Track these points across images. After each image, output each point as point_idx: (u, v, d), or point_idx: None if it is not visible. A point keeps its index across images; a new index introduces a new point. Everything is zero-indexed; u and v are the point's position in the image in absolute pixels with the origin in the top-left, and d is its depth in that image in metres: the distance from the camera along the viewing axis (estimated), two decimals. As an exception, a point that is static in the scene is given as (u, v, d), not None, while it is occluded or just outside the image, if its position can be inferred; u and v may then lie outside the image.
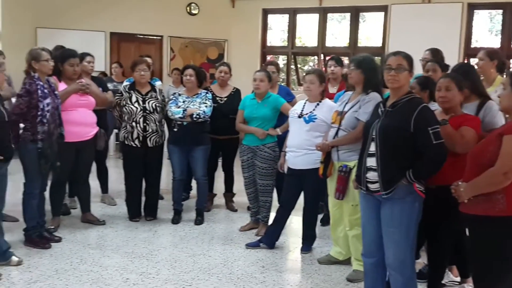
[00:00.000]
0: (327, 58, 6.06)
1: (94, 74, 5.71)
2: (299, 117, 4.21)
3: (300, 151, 4.18)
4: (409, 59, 3.01)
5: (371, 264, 3.17)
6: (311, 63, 12.76)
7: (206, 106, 4.96)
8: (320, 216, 4.98)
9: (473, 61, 9.01)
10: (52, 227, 4.65)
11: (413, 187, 2.92)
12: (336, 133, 3.77)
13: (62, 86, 4.59)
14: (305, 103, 4.27)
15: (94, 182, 5.21)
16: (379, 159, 2.95)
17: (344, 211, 3.86)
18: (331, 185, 3.93)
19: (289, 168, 4.34)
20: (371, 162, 3.00)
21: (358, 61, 3.78)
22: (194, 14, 10.39)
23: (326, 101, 4.25)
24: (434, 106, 3.44)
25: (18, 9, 9.07)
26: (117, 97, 5.00)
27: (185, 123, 4.92)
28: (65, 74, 4.65)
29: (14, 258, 3.86)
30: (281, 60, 11.64)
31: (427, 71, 4.49)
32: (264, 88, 4.68)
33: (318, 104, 4.22)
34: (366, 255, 3.20)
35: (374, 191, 3.02)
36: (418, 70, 5.33)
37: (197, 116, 4.88)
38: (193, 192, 5.82)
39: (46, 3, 9.35)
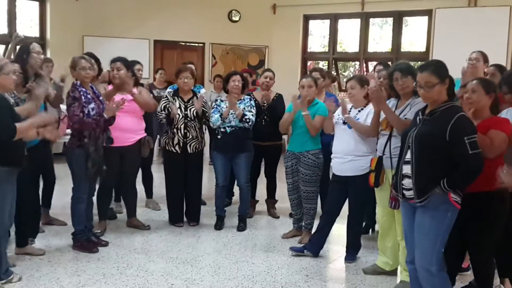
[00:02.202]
0: (375, 63, 6.00)
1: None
2: (344, 123, 4.18)
3: (346, 157, 4.14)
4: (438, 72, 2.93)
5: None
6: (351, 69, 12.63)
7: (252, 115, 4.98)
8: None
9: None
10: (99, 231, 4.74)
11: (448, 197, 2.88)
12: (389, 139, 3.69)
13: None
14: (350, 109, 4.22)
15: (138, 187, 5.28)
16: (413, 166, 2.94)
17: (396, 220, 3.77)
18: (381, 194, 3.87)
19: (334, 175, 4.30)
20: (407, 169, 3.00)
21: (406, 68, 3.70)
22: (235, 21, 10.46)
23: (371, 105, 4.18)
24: None
25: (66, 17, 9.37)
26: (164, 101, 5.05)
27: (228, 130, 4.94)
28: (111, 78, 4.80)
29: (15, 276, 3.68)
30: (322, 66, 11.57)
31: (486, 74, 4.43)
32: (313, 94, 4.65)
33: (362, 109, 4.17)
34: (411, 262, 3.15)
35: (409, 198, 3.01)
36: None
37: (248, 119, 4.90)
38: (235, 198, 5.84)
39: (93, 12, 9.61)
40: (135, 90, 4.85)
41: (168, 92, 5.26)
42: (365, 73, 10.00)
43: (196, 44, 10.54)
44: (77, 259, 4.18)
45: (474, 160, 2.81)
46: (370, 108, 4.06)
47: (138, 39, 9.92)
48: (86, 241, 4.39)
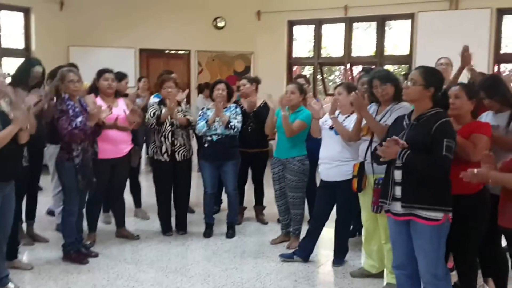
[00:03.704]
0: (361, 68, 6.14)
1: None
2: (331, 128, 4.25)
3: (333, 163, 4.21)
4: (425, 76, 3.01)
5: (404, 275, 3.17)
6: (337, 73, 12.75)
7: (237, 122, 5.04)
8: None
9: (503, 67, 8.95)
10: (88, 242, 4.76)
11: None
12: (370, 145, 3.77)
13: (99, 101, 4.71)
14: (338, 114, 4.29)
15: (127, 197, 5.31)
16: (404, 172, 2.98)
17: (380, 224, 3.85)
18: (364, 199, 3.95)
19: (321, 180, 4.37)
20: (398, 175, 3.03)
21: (385, 76, 3.81)
22: (221, 28, 10.52)
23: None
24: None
25: (51, 28, 9.36)
26: (152, 108, 5.08)
27: (215, 138, 4.99)
28: (101, 89, 4.79)
29: (10, 285, 3.74)
30: (307, 71, 11.68)
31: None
32: (296, 100, 4.71)
33: (349, 116, 4.24)
34: (398, 267, 3.20)
35: (400, 214, 3.04)
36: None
37: (233, 126, 4.96)
38: (223, 205, 5.89)
39: (78, 22, 9.62)
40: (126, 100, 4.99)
41: (154, 101, 5.31)
42: (349, 77, 10.13)
43: (182, 52, 10.59)
44: (67, 271, 4.20)
45: (443, 162, 2.86)
46: None
47: (124, 48, 9.95)
48: (76, 252, 4.41)
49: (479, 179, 2.68)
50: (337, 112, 4.33)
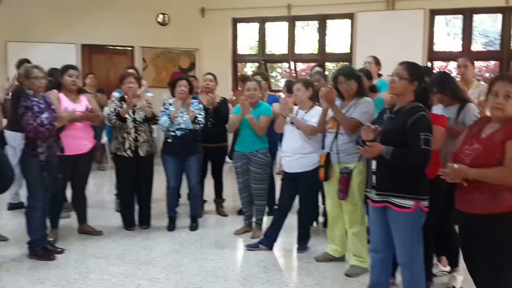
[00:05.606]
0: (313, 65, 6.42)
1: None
2: (292, 123, 4.46)
3: (294, 155, 4.42)
4: (410, 70, 3.15)
5: (378, 259, 3.37)
6: (279, 70, 13.03)
7: (202, 118, 5.15)
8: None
9: (436, 64, 9.58)
10: (52, 239, 4.71)
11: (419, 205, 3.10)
12: (336, 137, 4.02)
13: (63, 98, 4.68)
14: (298, 110, 4.50)
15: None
16: (378, 163, 3.17)
17: (344, 210, 4.12)
18: (330, 187, 4.19)
19: (285, 172, 4.57)
20: (374, 164, 3.22)
21: (350, 72, 4.07)
22: (165, 24, 10.50)
23: (317, 107, 4.49)
24: None
25: (-13, 23, 9.02)
26: (114, 104, 5.11)
27: (178, 133, 5.08)
28: (64, 85, 4.75)
29: None
30: (249, 68, 11.88)
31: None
32: (258, 96, 4.90)
33: (308, 111, 4.46)
34: (374, 250, 3.39)
35: (378, 201, 3.22)
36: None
37: (199, 121, 5.07)
38: (182, 199, 5.97)
39: (16, 17, 9.29)
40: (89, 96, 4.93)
41: (115, 97, 5.33)
42: (293, 73, 10.43)
43: (125, 48, 10.47)
44: (36, 267, 4.17)
45: (423, 155, 3.01)
46: (317, 110, 4.36)
47: (65, 44, 9.71)
48: (43, 249, 4.37)
49: (458, 174, 2.74)
50: (296, 107, 4.55)
